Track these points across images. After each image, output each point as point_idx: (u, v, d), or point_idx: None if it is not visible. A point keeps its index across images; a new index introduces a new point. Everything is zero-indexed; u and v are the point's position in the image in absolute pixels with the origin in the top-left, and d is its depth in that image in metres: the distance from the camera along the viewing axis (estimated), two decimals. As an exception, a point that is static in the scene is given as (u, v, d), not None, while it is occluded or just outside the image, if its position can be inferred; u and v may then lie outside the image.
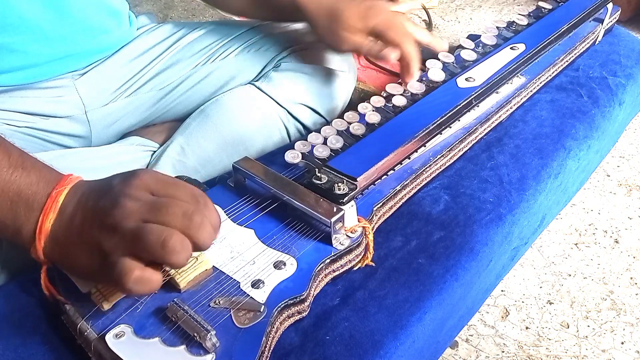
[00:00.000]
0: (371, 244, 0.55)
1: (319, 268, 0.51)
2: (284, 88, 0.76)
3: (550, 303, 0.91)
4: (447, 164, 0.67)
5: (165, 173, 0.46)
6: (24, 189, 0.45)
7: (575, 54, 0.85)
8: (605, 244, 1.01)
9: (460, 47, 0.77)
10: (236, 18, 1.35)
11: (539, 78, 0.78)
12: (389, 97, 0.68)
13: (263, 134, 0.75)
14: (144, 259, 0.41)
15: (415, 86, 0.69)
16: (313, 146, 0.62)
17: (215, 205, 0.54)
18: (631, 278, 0.95)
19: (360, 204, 0.57)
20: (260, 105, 0.75)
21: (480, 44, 0.78)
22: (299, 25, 0.83)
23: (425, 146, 0.64)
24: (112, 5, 0.74)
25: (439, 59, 0.74)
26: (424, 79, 0.71)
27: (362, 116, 0.66)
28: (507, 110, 0.74)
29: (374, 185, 0.59)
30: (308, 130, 0.78)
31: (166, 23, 0.84)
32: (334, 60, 0.80)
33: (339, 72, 0.80)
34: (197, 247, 0.42)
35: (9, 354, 0.47)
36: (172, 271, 0.47)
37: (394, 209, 0.61)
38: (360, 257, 0.55)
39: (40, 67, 0.69)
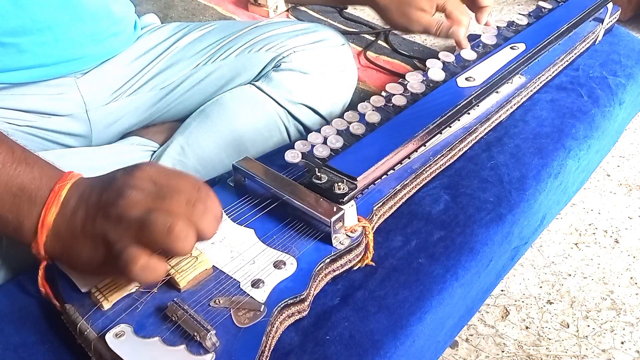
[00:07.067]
0: (371, 244, 0.55)
1: (319, 267, 0.51)
2: (284, 88, 0.76)
3: (550, 303, 0.91)
4: (447, 164, 0.67)
5: None
6: (27, 184, 0.45)
7: (575, 54, 0.85)
8: (605, 244, 1.01)
9: (461, 46, 0.77)
10: (239, 18, 1.35)
11: (539, 78, 0.78)
12: (389, 97, 0.68)
13: (263, 135, 0.75)
14: (150, 248, 0.41)
15: (415, 86, 0.69)
16: (313, 146, 0.62)
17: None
18: (631, 278, 0.95)
19: (360, 203, 0.57)
20: (260, 106, 0.75)
21: (481, 44, 0.78)
22: (299, 25, 0.83)
23: (425, 146, 0.64)
24: (120, 10, 0.75)
25: (439, 59, 0.74)
26: (424, 78, 0.71)
27: (362, 116, 0.66)
28: (507, 110, 0.74)
29: (374, 184, 0.59)
30: (308, 131, 0.77)
31: (168, 23, 0.84)
32: (335, 61, 0.79)
33: (339, 72, 0.79)
34: (201, 236, 0.43)
35: (9, 353, 0.47)
36: (172, 270, 0.47)
37: (394, 208, 0.61)
38: (360, 256, 0.55)
39: (46, 67, 0.69)
